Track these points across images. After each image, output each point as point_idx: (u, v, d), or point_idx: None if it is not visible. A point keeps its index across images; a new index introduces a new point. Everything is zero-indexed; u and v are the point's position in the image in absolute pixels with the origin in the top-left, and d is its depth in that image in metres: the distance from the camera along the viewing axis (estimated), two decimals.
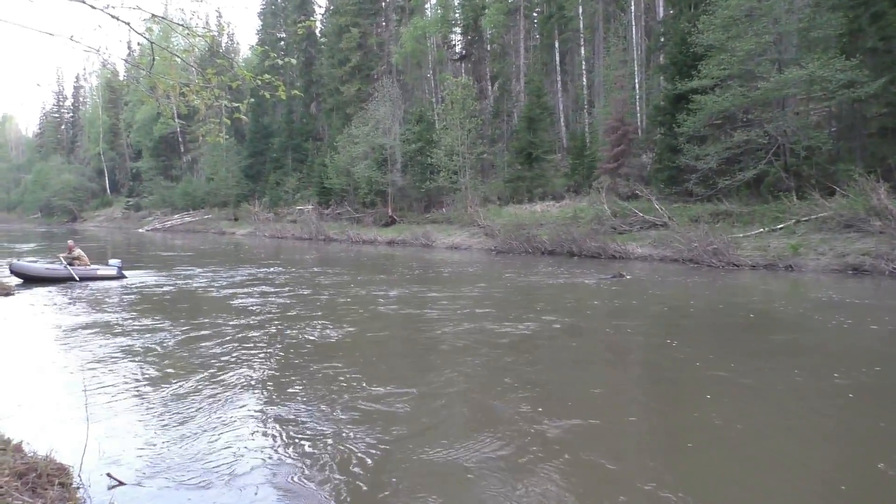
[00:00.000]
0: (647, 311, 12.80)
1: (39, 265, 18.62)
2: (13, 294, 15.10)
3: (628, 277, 17.83)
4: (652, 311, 12.91)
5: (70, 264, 17.94)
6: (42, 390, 7.29)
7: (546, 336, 10.28)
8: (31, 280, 17.39)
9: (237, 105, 6.14)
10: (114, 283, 17.77)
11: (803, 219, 20.88)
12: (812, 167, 22.69)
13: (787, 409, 6.61)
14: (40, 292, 15.71)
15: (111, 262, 19.30)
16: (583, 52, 42.77)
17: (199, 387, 7.31)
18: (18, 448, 4.81)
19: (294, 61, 7.45)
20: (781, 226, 21.27)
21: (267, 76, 5.87)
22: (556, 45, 44.34)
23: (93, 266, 18.60)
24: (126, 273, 19.20)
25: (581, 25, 42.23)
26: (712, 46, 24.39)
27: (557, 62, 44.59)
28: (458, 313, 12.34)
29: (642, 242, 24.41)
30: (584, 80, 42.60)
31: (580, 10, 42.09)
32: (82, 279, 17.78)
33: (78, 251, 18.47)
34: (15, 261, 18.40)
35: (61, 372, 8.03)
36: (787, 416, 6.41)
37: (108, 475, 4.80)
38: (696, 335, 10.56)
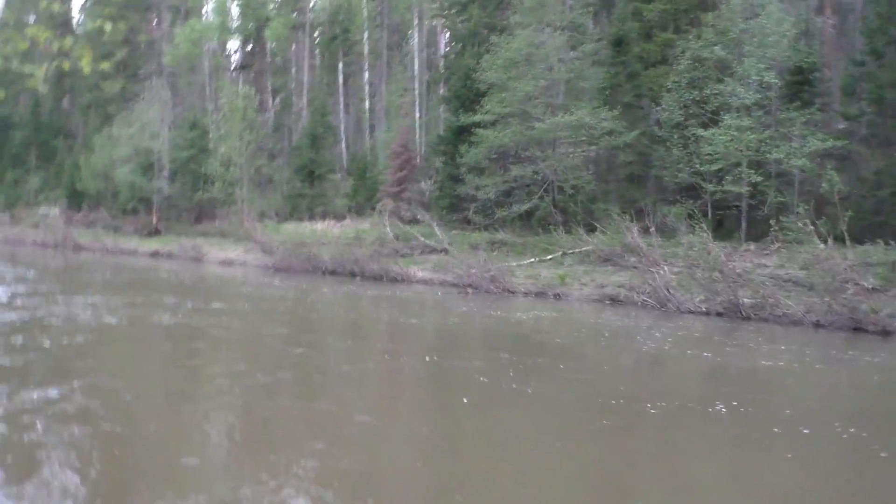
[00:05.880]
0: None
1: None
2: None
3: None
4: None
5: None
6: None
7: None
8: None
9: None
10: None
11: (569, 251, 22.65)
12: (577, 204, 24.85)
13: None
14: None
15: None
16: (367, 76, 43.28)
17: None
18: None
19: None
20: (550, 257, 22.91)
21: None
22: (340, 66, 44.43)
23: None
24: None
25: (366, 50, 42.73)
26: (494, 84, 25.95)
27: (341, 83, 44.65)
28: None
29: (424, 266, 24.94)
30: (367, 103, 43.09)
31: (365, 36, 42.61)
32: None
33: None
34: None
35: None
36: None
37: None
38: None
